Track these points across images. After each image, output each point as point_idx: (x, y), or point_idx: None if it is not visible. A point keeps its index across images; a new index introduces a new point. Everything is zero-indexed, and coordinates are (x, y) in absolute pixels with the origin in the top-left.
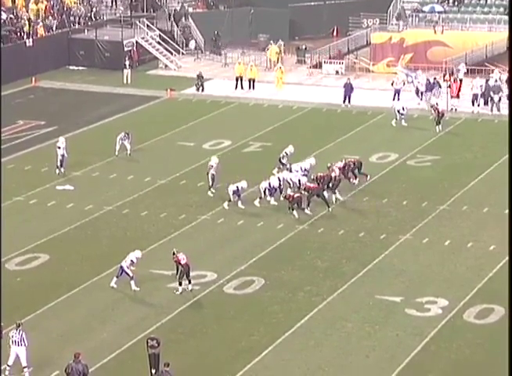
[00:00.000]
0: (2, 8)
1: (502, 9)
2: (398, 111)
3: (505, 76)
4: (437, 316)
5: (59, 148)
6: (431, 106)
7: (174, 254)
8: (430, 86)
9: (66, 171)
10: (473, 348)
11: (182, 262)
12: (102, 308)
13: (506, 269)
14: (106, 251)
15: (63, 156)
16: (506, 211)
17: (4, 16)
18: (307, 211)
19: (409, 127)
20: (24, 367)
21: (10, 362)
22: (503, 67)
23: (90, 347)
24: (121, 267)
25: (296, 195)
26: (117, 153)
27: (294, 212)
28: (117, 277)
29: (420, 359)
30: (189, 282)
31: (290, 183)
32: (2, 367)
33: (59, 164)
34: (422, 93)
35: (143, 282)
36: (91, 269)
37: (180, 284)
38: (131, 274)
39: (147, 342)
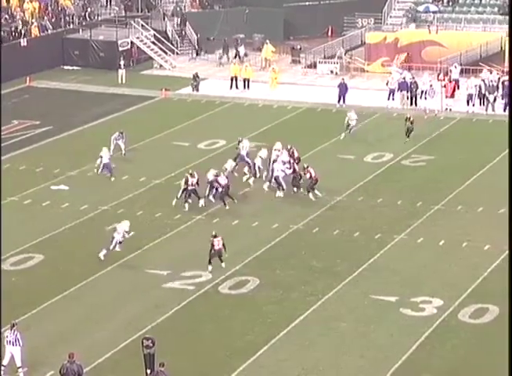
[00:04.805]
0: None
1: (496, 9)
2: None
3: (498, 76)
4: (432, 315)
5: (102, 157)
6: (424, 110)
7: (214, 236)
8: (405, 86)
9: (63, 171)
10: (467, 348)
11: (216, 248)
12: (96, 308)
13: (501, 268)
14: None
15: (102, 163)
16: (501, 210)
17: None
18: (202, 201)
19: (403, 127)
20: (19, 367)
21: (5, 362)
22: (498, 67)
23: (85, 347)
24: (113, 238)
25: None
26: (111, 152)
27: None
28: (107, 250)
29: (414, 359)
30: (221, 261)
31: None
32: None
33: (100, 170)
34: (393, 92)
35: (138, 281)
36: (86, 269)
37: (209, 263)
38: (118, 243)
39: (142, 342)
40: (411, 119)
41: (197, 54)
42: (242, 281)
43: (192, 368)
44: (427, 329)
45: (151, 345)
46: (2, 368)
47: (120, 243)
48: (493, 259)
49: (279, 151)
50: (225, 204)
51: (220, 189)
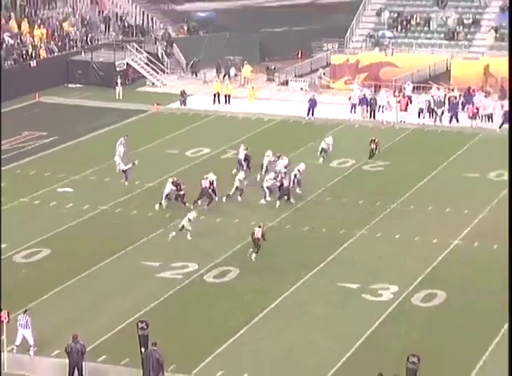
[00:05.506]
0: (7, 33)
1: (442, 35)
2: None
3: (444, 93)
4: (389, 300)
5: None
6: (381, 122)
7: (259, 226)
8: (365, 101)
9: (68, 176)
10: (420, 330)
11: (254, 236)
12: (98, 295)
13: (448, 259)
14: (101, 246)
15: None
16: (447, 209)
17: (11, 41)
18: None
19: (364, 136)
20: (30, 347)
21: (17, 342)
22: (444, 85)
23: (88, 329)
24: (183, 225)
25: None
26: (121, 156)
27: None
28: (176, 232)
29: (375, 337)
30: (256, 252)
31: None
32: (10, 347)
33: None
34: (355, 106)
35: (134, 272)
36: (88, 261)
37: (254, 252)
38: (190, 228)
39: (137, 325)
40: (376, 141)
41: (181, 71)
42: (224, 271)
43: (181, 347)
44: (385, 311)
45: (145, 327)
46: (15, 348)
47: (188, 230)
48: (441, 251)
49: (268, 157)
50: (184, 204)
51: (182, 192)
